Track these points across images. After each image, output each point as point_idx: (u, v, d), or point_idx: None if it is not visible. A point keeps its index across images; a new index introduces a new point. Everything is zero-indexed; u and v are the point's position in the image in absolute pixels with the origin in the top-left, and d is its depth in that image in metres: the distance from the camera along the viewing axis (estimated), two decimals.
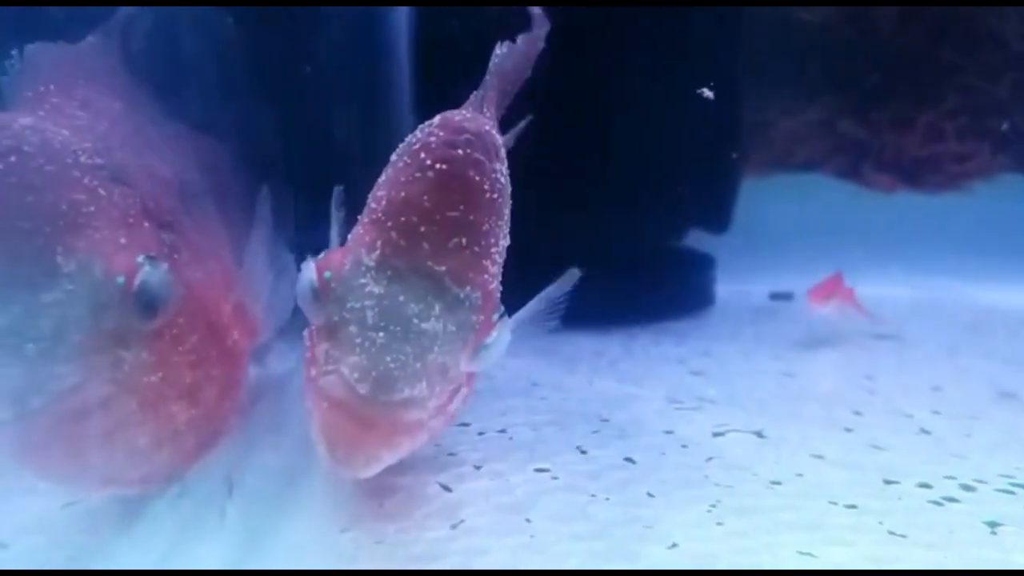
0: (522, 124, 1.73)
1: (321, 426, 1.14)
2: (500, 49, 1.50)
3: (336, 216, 1.38)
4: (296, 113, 2.25)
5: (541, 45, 1.69)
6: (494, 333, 1.23)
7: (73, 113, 1.38)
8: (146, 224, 1.26)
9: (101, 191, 1.17)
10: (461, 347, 1.19)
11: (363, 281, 1.15)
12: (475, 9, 2.45)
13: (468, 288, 1.18)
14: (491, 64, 1.47)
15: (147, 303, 1.12)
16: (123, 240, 1.15)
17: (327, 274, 1.18)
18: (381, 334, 1.12)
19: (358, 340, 1.13)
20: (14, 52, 1.39)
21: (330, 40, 2.43)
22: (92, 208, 1.13)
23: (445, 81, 1.59)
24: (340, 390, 1.12)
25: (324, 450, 1.13)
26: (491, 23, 1.54)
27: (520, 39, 1.59)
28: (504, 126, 1.65)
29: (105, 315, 1.08)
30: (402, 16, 2.62)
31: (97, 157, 1.22)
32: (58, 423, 1.03)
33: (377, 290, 1.14)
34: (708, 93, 2.60)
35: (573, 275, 1.50)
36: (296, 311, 1.26)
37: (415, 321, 1.14)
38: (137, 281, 1.10)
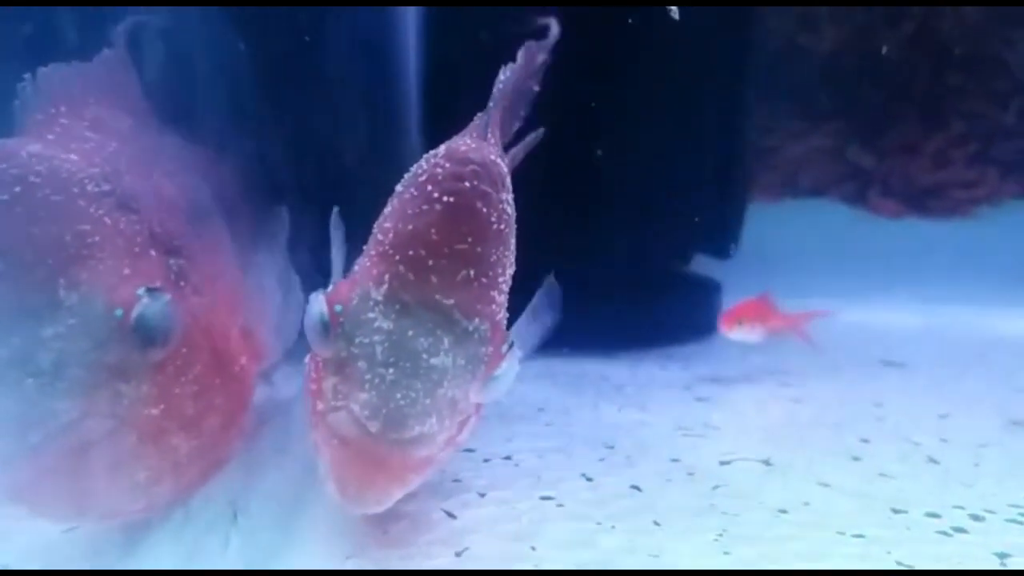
0: (531, 137, 1.72)
1: (331, 464, 1.13)
2: (504, 73, 1.51)
3: (336, 236, 1.37)
4: (301, 131, 2.25)
5: (543, 57, 1.68)
6: (503, 364, 1.22)
7: (83, 135, 1.38)
8: (152, 252, 1.26)
9: (107, 220, 1.17)
10: (471, 380, 1.18)
11: (372, 315, 1.14)
12: (484, 23, 2.46)
13: (477, 320, 1.17)
14: (495, 89, 1.48)
15: (145, 336, 1.11)
16: (127, 271, 1.15)
17: (338, 307, 1.16)
18: (391, 370, 1.11)
19: (368, 376, 1.12)
20: (27, 76, 1.39)
21: (337, 56, 2.44)
22: (97, 238, 1.13)
23: (452, 98, 1.59)
24: (350, 428, 1.11)
25: (334, 488, 1.13)
26: (499, 38, 1.54)
27: (521, 53, 1.58)
28: (515, 137, 1.64)
29: (104, 348, 1.08)
30: (410, 30, 2.63)
31: (104, 183, 1.22)
32: (55, 460, 1.02)
33: (386, 325, 1.13)
34: (674, 10, 2.50)
35: (552, 284, 1.49)
36: (302, 333, 1.25)
37: (424, 356, 1.13)
38: (135, 314, 1.09)
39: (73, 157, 1.21)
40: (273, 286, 1.61)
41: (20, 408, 1.01)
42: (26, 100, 1.39)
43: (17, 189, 1.08)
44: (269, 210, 1.66)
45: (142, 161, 1.44)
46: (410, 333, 1.13)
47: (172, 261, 1.32)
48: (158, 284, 1.18)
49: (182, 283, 1.31)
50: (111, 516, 1.15)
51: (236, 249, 1.59)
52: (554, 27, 1.71)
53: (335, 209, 1.39)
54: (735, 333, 2.63)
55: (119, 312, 1.08)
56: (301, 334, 1.23)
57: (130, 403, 1.11)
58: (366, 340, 1.14)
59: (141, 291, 1.12)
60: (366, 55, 2.47)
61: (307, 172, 2.08)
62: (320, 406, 1.18)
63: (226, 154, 1.83)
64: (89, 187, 1.18)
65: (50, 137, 1.29)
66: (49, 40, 1.50)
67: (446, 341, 1.15)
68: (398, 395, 1.10)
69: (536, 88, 1.66)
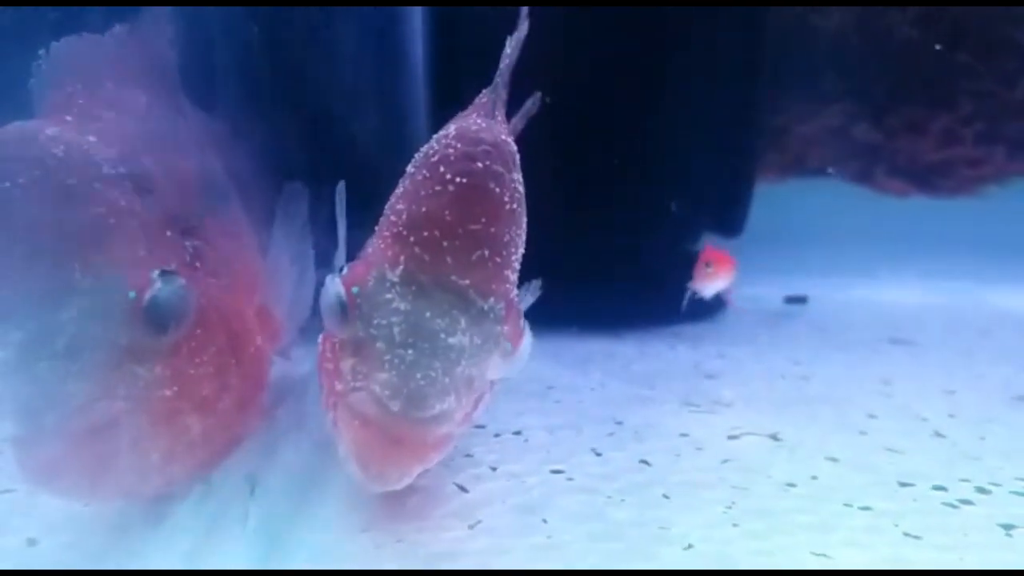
0: (529, 103, 1.70)
1: (353, 443, 1.14)
2: (508, 47, 1.50)
3: (342, 212, 1.36)
4: (313, 112, 2.26)
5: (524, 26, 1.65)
6: (518, 342, 1.24)
7: (100, 115, 1.38)
8: (168, 234, 1.27)
9: (122, 202, 1.18)
10: (487, 359, 1.20)
11: (388, 297, 1.16)
12: (489, 9, 2.47)
13: (492, 300, 1.19)
14: (501, 64, 1.48)
15: (158, 319, 1.11)
16: (142, 254, 1.16)
17: (354, 289, 1.17)
18: (410, 351, 1.12)
19: (387, 357, 1.13)
20: (41, 52, 1.40)
21: (347, 39, 2.45)
22: (112, 221, 1.14)
23: (460, 81, 1.59)
24: (371, 408, 1.12)
25: (356, 466, 1.14)
26: (506, 21, 1.53)
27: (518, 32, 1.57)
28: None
29: (118, 331, 1.09)
30: (417, 16, 2.63)
31: (121, 165, 1.22)
32: (69, 441, 1.03)
33: (403, 306, 1.15)
34: None
35: (535, 286, 1.50)
36: (316, 310, 1.26)
37: (442, 336, 1.14)
38: (147, 296, 1.10)
39: (91, 139, 1.22)
40: (288, 264, 1.61)
41: (35, 390, 1.02)
42: (42, 78, 1.39)
43: (35, 172, 1.09)
44: (286, 187, 1.66)
45: (160, 140, 1.44)
46: (427, 314, 1.14)
47: (188, 243, 1.33)
48: (173, 267, 1.18)
49: (198, 264, 1.32)
50: (126, 496, 1.17)
51: (253, 227, 1.59)
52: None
53: (340, 183, 1.38)
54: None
55: (133, 295, 1.09)
56: (315, 311, 1.24)
57: (144, 385, 1.12)
58: (384, 321, 1.15)
59: (155, 274, 1.13)
60: (378, 35, 2.48)
61: (322, 150, 2.09)
62: (339, 386, 1.19)
63: (244, 131, 1.84)
64: (105, 169, 1.18)
65: (68, 118, 1.29)
66: (76, 26, 1.51)
67: (463, 321, 1.16)
68: (418, 375, 1.12)
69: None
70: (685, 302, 2.87)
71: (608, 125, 2.80)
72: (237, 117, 1.83)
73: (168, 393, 1.15)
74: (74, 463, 1.05)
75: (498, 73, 1.47)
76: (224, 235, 1.46)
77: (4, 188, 1.07)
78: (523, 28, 1.57)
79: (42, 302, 1.05)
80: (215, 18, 1.93)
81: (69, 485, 1.08)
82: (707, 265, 2.81)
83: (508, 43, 1.51)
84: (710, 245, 2.90)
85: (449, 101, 1.58)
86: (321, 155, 2.12)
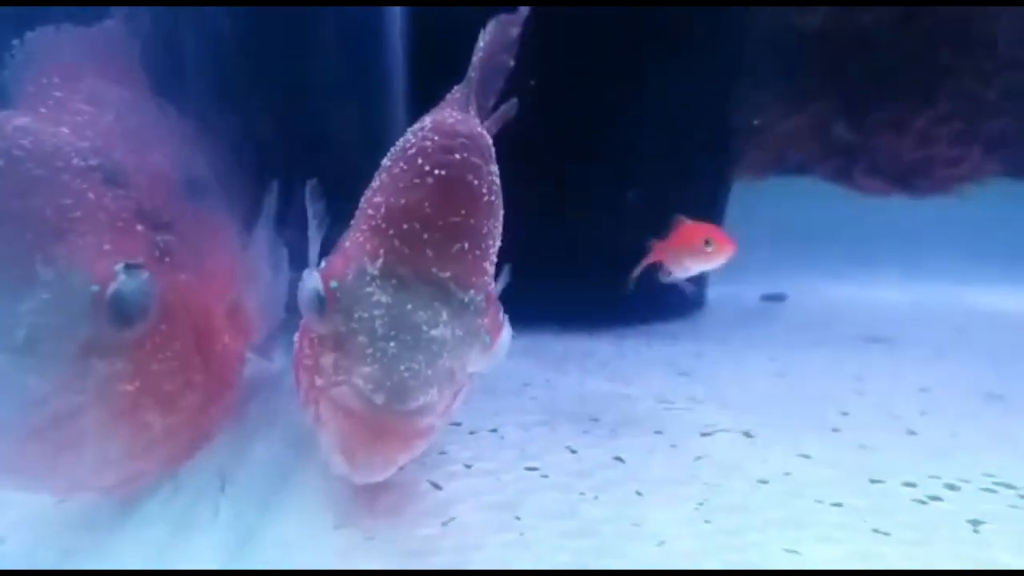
0: (504, 108, 1.71)
1: (338, 436, 1.14)
2: (481, 40, 1.50)
3: (312, 211, 1.36)
4: (290, 109, 2.25)
5: (516, 30, 1.65)
6: (498, 335, 1.24)
7: (77, 108, 1.36)
8: (138, 227, 1.25)
9: (90, 194, 1.16)
10: (468, 351, 1.20)
11: (369, 290, 1.16)
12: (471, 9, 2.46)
13: (472, 292, 1.19)
14: (474, 58, 1.48)
15: (121, 313, 1.10)
16: (107, 247, 1.14)
17: (333, 283, 1.17)
18: (392, 344, 1.12)
19: (369, 351, 1.13)
20: (15, 42, 1.38)
21: (324, 36, 2.44)
22: (78, 213, 1.12)
23: (438, 77, 1.59)
24: (355, 401, 1.12)
25: (341, 459, 1.14)
26: (486, 17, 1.53)
27: (491, 23, 1.56)
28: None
29: (79, 325, 1.07)
30: (395, 12, 2.63)
31: (93, 158, 1.21)
32: (27, 434, 1.02)
33: (384, 299, 1.15)
34: None
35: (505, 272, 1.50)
36: (294, 308, 1.25)
37: (424, 328, 1.14)
38: (110, 290, 1.08)
39: (63, 131, 1.20)
40: (264, 264, 1.60)
41: None
42: (16, 68, 1.38)
43: (0, 163, 1.08)
44: (261, 185, 1.65)
45: (137, 135, 1.43)
46: (409, 306, 1.15)
47: (159, 237, 1.31)
48: (140, 260, 1.17)
49: (167, 259, 1.30)
50: (85, 490, 1.15)
51: (230, 224, 1.58)
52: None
53: (310, 182, 1.37)
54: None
55: (96, 288, 1.08)
56: (290, 309, 1.23)
57: (105, 379, 1.10)
58: (365, 315, 1.15)
59: (119, 267, 1.11)
60: (354, 32, 2.47)
61: (296, 147, 2.08)
62: (319, 382, 1.18)
63: (220, 129, 1.82)
64: (75, 161, 1.17)
65: (42, 110, 1.28)
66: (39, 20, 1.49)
67: (444, 313, 1.16)
68: (401, 367, 1.11)
69: (511, 63, 1.64)
70: (634, 276, 2.70)
71: (586, 123, 2.81)
72: (211, 114, 1.82)
73: (130, 388, 1.13)
74: (31, 456, 1.03)
75: (471, 67, 1.46)
76: (197, 231, 1.44)
77: None
78: (513, 29, 1.57)
79: (2, 294, 1.03)
80: (190, 14, 1.91)
81: (26, 476, 1.06)
82: (707, 244, 2.55)
83: (481, 37, 1.51)
84: (686, 220, 2.64)
85: (426, 97, 1.58)
86: (296, 151, 2.11)
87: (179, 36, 1.93)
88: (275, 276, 1.64)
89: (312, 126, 2.37)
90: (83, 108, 1.37)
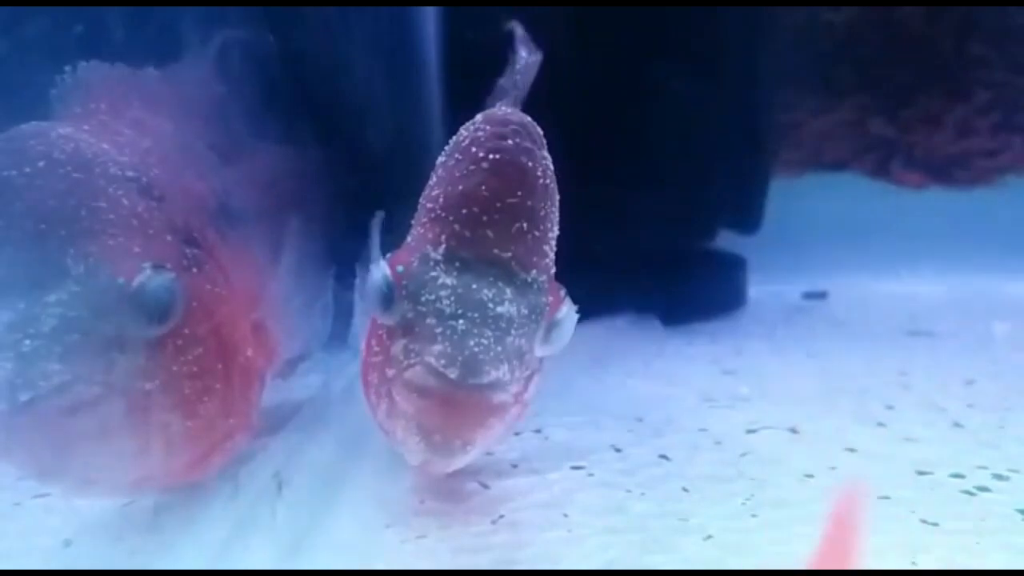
0: None
1: (414, 416, 1.17)
2: (524, 52, 1.53)
3: (376, 239, 1.38)
4: (332, 126, 2.28)
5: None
6: (562, 314, 1.26)
7: (119, 130, 1.40)
8: (168, 237, 1.28)
9: (124, 201, 1.19)
10: (534, 329, 1.22)
11: (434, 274, 1.19)
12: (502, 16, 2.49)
13: (534, 272, 1.22)
14: (519, 64, 1.51)
15: (144, 308, 1.12)
16: (137, 249, 1.17)
17: (399, 268, 1.21)
18: (461, 321, 1.15)
19: (439, 330, 1.15)
20: (67, 68, 1.43)
21: (362, 60, 2.47)
22: (111, 216, 1.15)
23: (474, 92, 1.62)
24: (430, 379, 1.14)
25: (418, 440, 1.17)
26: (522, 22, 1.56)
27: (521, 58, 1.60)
28: None
29: (104, 317, 1.09)
30: (431, 23, 2.65)
31: (130, 171, 1.25)
32: (42, 420, 1.03)
33: (449, 281, 1.18)
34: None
35: None
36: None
37: (490, 306, 1.17)
38: (135, 284, 1.11)
39: (104, 145, 1.25)
40: (292, 287, 1.61)
41: (16, 367, 1.02)
42: (64, 92, 1.42)
43: (40, 163, 1.11)
44: (289, 221, 1.68)
45: (174, 161, 1.47)
46: (473, 286, 1.18)
47: (188, 250, 1.33)
48: (167, 265, 1.19)
49: (194, 270, 1.31)
50: (94, 484, 1.16)
51: (266, 255, 1.60)
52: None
53: (378, 213, 1.41)
54: None
55: (121, 281, 1.11)
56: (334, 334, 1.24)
57: (124, 374, 1.11)
58: (432, 297, 1.18)
59: (146, 265, 1.14)
60: (390, 57, 2.50)
61: (348, 180, 2.10)
62: (391, 372, 1.21)
63: (284, 164, 1.87)
64: (112, 170, 1.21)
65: (85, 127, 1.31)
66: (100, 40, 1.54)
67: (508, 291, 1.19)
68: (471, 342, 1.14)
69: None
70: None
71: (622, 124, 2.81)
72: (299, 144, 1.86)
73: (148, 386, 1.14)
74: (44, 442, 1.05)
75: (515, 71, 1.49)
76: (227, 253, 1.46)
77: (10, 176, 1.10)
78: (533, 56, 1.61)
79: (33, 285, 1.07)
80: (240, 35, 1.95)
81: (37, 463, 1.08)
82: None
83: (522, 48, 1.54)
84: None
85: (464, 112, 1.62)
86: (340, 169, 2.13)
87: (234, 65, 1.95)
88: (313, 304, 1.66)
89: (349, 145, 2.39)
90: (125, 131, 1.42)
